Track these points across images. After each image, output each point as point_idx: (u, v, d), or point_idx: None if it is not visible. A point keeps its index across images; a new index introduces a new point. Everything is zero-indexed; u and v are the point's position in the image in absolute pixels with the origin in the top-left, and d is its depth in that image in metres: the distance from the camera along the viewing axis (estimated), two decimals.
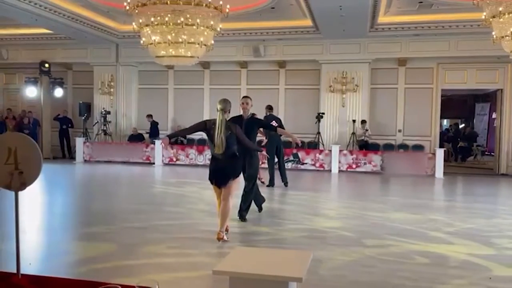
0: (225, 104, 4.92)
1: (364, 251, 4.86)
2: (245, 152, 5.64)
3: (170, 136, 5.34)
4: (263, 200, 6.77)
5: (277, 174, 9.40)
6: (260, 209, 6.70)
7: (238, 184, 5.19)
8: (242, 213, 6.13)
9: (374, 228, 5.92)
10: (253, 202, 6.40)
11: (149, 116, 14.54)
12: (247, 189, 6.16)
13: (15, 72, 16.35)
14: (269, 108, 9.96)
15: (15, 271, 2.46)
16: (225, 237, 4.95)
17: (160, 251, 4.74)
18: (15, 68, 15.99)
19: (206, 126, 4.97)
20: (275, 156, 9.35)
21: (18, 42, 14.77)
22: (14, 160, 2.48)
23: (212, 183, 5.10)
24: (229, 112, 5.00)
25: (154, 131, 14.42)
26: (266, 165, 9.13)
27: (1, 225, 5.83)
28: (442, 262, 4.54)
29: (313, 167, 12.75)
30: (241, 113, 6.21)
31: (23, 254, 4.00)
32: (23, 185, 2.57)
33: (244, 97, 6.38)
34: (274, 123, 8.72)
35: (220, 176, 5.00)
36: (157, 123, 14.52)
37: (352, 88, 13.30)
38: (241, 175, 5.34)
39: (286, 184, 9.40)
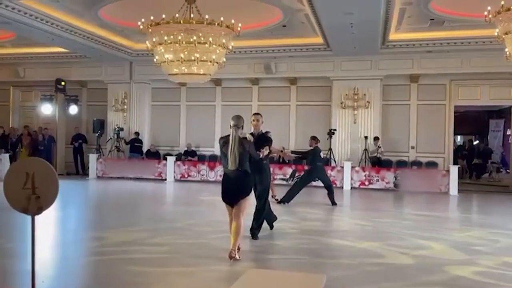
0: (238, 121, 4.95)
1: (376, 271, 4.74)
2: (256, 170, 5.60)
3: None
4: (275, 218, 6.68)
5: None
6: (271, 227, 6.60)
7: (250, 202, 5.16)
8: (254, 231, 6.04)
9: (391, 247, 5.78)
10: (265, 220, 6.33)
11: (136, 133, 14.74)
12: (258, 207, 6.11)
13: (32, 90, 16.66)
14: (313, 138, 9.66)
15: None
16: (236, 256, 4.87)
17: (172, 270, 4.68)
18: (31, 85, 16.29)
19: (220, 143, 5.08)
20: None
21: (35, 61, 15.07)
22: (32, 185, 2.50)
23: (224, 201, 5.08)
24: (242, 128, 5.00)
25: (136, 148, 14.55)
26: (279, 182, 9.10)
27: (14, 242, 5.84)
28: None
29: None
30: (252, 130, 6.17)
31: (36, 271, 3.98)
32: (39, 209, 2.58)
33: (254, 114, 6.34)
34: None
35: (232, 194, 4.99)
36: (140, 141, 14.75)
37: (363, 104, 13.23)
38: (252, 193, 5.31)
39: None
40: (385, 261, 5.18)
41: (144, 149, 14.94)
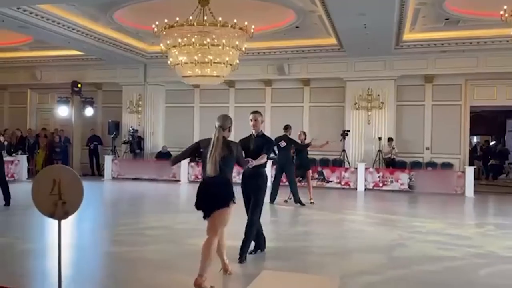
0: (224, 121, 4.26)
1: (394, 277, 4.71)
2: (251, 174, 4.92)
3: (172, 162, 4.72)
4: (264, 242, 5.43)
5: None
6: (257, 250, 5.35)
7: (227, 218, 4.18)
8: (242, 252, 4.97)
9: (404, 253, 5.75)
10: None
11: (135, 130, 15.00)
12: (250, 220, 5.04)
13: (48, 92, 16.94)
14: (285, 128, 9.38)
15: None
16: (204, 284, 3.89)
17: (186, 271, 4.72)
18: (48, 88, 16.56)
19: (200, 146, 4.34)
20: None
21: (51, 64, 15.33)
22: (58, 191, 2.60)
23: (198, 209, 4.16)
24: (229, 130, 4.34)
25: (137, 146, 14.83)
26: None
27: (33, 243, 5.97)
28: None
29: (338, 185, 12.57)
30: (252, 131, 5.27)
31: (53, 272, 4.07)
32: (66, 214, 2.69)
33: (253, 112, 5.29)
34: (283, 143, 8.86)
35: (206, 201, 4.11)
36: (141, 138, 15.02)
37: (377, 105, 13.15)
38: (232, 208, 4.18)
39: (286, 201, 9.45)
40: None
41: (153, 149, 15.09)
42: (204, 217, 4.13)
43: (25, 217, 7.66)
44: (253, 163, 4.59)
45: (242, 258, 4.94)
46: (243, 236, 5.03)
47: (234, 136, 5.40)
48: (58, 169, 2.75)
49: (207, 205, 4.11)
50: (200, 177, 14.22)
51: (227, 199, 4.12)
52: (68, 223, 7.20)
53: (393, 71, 13.00)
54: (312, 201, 9.43)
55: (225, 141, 4.22)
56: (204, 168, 4.21)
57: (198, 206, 4.16)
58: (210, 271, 4.00)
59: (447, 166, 13.07)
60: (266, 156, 4.96)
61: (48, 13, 10.10)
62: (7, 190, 8.71)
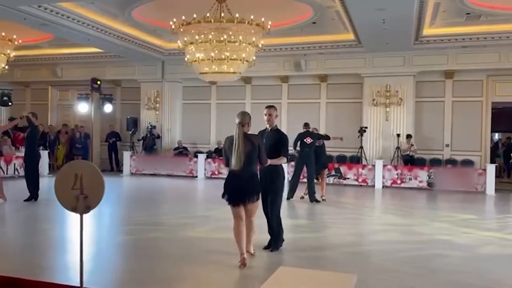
0: (243, 117, 4.57)
1: (410, 274, 4.67)
2: (267, 170, 4.98)
3: (225, 165, 4.82)
4: (282, 238, 5.46)
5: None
6: (274, 246, 5.34)
7: (258, 207, 4.80)
8: (273, 246, 5.27)
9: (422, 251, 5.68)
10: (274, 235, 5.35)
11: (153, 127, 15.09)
12: (271, 217, 5.17)
13: (68, 89, 17.26)
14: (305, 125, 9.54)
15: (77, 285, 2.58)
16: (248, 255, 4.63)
17: (204, 266, 4.77)
18: (68, 85, 16.88)
19: (226, 144, 4.67)
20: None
21: (72, 61, 15.59)
22: (80, 186, 2.67)
23: (230, 202, 4.61)
24: (248, 125, 4.63)
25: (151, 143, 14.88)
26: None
27: (51, 235, 6.11)
28: None
29: (355, 182, 12.49)
30: (267, 126, 5.33)
31: (74, 265, 4.16)
32: (87, 208, 2.76)
33: (267, 107, 5.35)
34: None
35: (242, 193, 4.56)
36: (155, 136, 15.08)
37: (396, 101, 13.00)
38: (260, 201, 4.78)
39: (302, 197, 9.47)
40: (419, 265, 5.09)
41: (170, 145, 15.22)
42: (244, 204, 4.59)
43: (49, 210, 7.84)
44: (270, 162, 4.80)
45: (274, 247, 5.23)
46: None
47: (251, 132, 5.41)
48: (80, 164, 2.82)
49: (245, 195, 4.56)
50: (216, 173, 14.35)
51: (257, 192, 4.63)
52: (86, 217, 7.37)
53: (412, 67, 12.82)
54: (324, 198, 9.42)
55: (246, 136, 4.54)
56: (229, 163, 4.57)
57: (231, 198, 4.59)
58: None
59: (468, 163, 12.84)
60: (285, 158, 5.12)
61: (68, 11, 10.27)
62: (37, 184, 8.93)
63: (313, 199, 9.22)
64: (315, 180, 9.43)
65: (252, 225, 4.74)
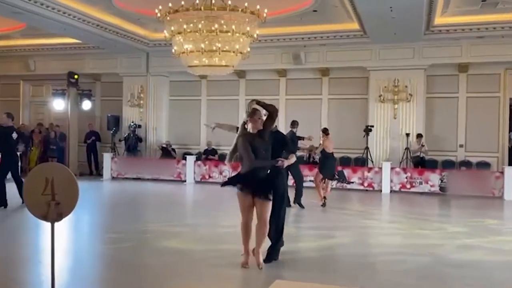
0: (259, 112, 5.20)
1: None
2: (271, 172, 5.12)
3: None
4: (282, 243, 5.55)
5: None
6: (272, 256, 5.35)
7: (269, 208, 4.97)
8: (271, 252, 5.31)
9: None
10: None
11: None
12: (275, 221, 5.23)
13: (43, 84, 17.17)
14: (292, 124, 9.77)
15: None
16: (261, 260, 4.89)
17: (195, 278, 4.74)
18: (42, 79, 16.78)
19: (248, 138, 5.01)
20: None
21: (46, 53, 15.52)
22: (51, 191, 2.61)
23: (243, 189, 4.86)
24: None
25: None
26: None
27: (27, 247, 6.06)
28: None
29: (361, 187, 12.50)
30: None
31: (48, 279, 4.12)
32: (59, 216, 2.71)
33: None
34: None
35: (261, 185, 4.84)
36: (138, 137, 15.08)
37: (405, 97, 13.03)
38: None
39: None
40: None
41: (155, 146, 15.20)
42: (260, 197, 4.82)
43: (18, 220, 7.78)
44: (284, 163, 5.05)
45: (268, 259, 5.18)
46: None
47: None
48: (52, 167, 2.79)
49: (263, 187, 4.82)
50: (207, 177, 14.28)
51: (270, 191, 4.87)
52: (62, 226, 7.32)
53: (422, 60, 12.86)
54: (325, 200, 9.51)
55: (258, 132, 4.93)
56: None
57: (247, 186, 4.84)
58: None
59: (483, 165, 12.90)
60: (294, 156, 5.50)
61: None
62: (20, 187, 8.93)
63: (298, 202, 9.32)
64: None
65: (264, 229, 4.88)
